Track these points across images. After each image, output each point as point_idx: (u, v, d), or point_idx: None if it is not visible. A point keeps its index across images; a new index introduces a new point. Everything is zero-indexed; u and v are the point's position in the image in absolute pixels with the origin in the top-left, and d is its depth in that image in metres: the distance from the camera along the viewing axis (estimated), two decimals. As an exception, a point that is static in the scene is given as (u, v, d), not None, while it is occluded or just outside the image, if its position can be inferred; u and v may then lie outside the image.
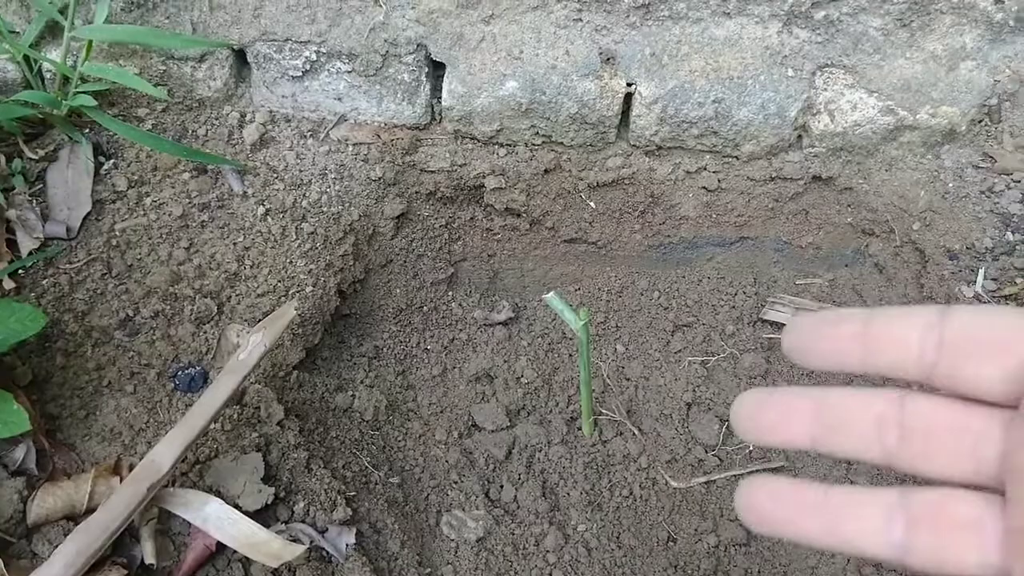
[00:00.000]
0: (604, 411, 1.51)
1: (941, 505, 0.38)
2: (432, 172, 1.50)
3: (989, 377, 0.37)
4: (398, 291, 1.58)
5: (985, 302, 1.37)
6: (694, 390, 1.53)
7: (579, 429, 1.50)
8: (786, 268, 1.67)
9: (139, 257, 1.33)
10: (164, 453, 1.07)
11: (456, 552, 1.32)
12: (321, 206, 1.43)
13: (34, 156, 1.37)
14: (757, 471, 1.44)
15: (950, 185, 1.45)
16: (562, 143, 1.48)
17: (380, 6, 1.35)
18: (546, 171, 1.51)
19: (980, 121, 1.44)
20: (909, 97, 1.40)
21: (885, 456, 0.40)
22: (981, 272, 1.38)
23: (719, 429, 1.48)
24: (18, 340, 1.09)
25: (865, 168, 1.49)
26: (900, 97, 1.40)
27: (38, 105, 1.34)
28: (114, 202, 1.36)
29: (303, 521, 1.17)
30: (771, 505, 0.42)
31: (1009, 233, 1.38)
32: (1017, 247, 1.37)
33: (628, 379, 1.58)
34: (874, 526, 0.39)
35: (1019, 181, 1.41)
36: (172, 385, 1.27)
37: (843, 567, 1.33)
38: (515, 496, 1.41)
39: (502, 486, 1.42)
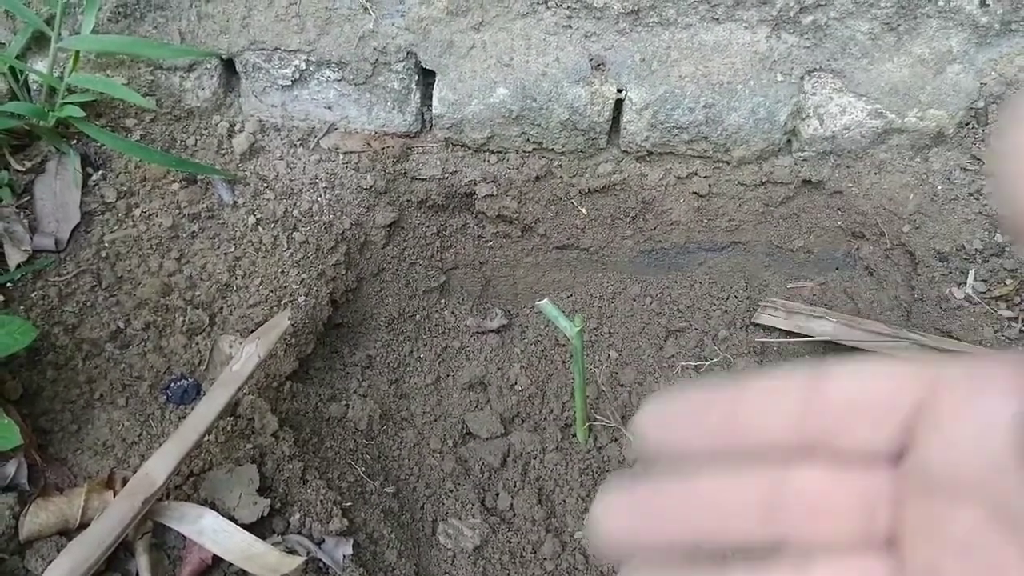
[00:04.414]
0: (598, 417, 1.51)
1: (843, 569, 0.36)
2: (423, 180, 1.50)
3: (873, 438, 0.34)
4: (390, 300, 1.58)
5: (976, 304, 1.38)
6: (688, 395, 1.53)
7: (574, 436, 1.50)
8: (777, 272, 1.68)
9: (129, 269, 1.32)
10: (158, 466, 1.06)
11: (453, 561, 1.31)
12: (312, 215, 1.42)
13: (21, 168, 1.35)
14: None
15: (939, 187, 1.46)
16: (553, 150, 1.48)
17: (369, 14, 1.34)
18: (537, 178, 1.51)
19: (967, 124, 1.45)
20: (897, 100, 1.41)
21: (773, 537, 0.37)
22: (971, 273, 1.39)
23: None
24: (8, 354, 1.08)
25: (854, 171, 1.50)
26: (888, 101, 1.41)
27: (24, 116, 1.33)
28: (103, 214, 1.35)
29: (299, 532, 1.16)
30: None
31: (998, 235, 1.39)
32: (1006, 248, 1.38)
33: (622, 385, 1.57)
34: None
35: (1007, 183, 1.42)
36: (165, 397, 1.25)
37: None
38: (511, 504, 1.40)
39: (498, 494, 1.42)
